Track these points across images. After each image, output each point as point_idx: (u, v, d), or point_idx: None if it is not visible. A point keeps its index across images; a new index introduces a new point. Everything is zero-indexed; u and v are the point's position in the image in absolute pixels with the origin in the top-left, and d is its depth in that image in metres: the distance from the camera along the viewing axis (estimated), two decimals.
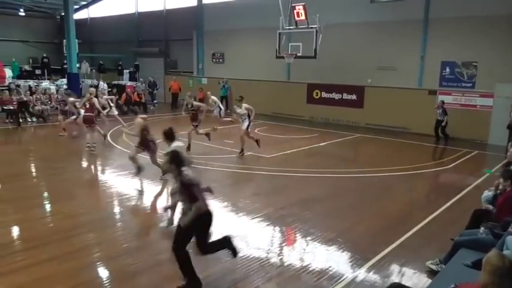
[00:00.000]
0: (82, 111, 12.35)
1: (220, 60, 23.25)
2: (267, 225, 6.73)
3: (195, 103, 12.14)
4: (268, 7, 18.40)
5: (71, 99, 13.27)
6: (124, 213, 7.29)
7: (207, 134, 11.98)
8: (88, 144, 11.50)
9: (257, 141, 11.72)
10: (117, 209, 7.52)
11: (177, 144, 7.06)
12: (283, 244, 6.24)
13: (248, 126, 11.47)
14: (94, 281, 4.95)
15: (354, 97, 17.97)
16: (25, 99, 16.33)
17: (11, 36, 29.86)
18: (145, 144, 8.67)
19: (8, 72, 22.10)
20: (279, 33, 16.17)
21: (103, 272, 5.19)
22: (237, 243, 4.98)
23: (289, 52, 16.15)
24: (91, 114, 11.71)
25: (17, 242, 6.09)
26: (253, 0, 20.39)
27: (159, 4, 25.89)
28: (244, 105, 11.35)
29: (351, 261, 5.52)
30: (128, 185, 8.69)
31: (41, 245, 5.70)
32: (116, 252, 5.59)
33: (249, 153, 11.51)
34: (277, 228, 6.69)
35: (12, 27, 30.14)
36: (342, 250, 5.85)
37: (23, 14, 30.07)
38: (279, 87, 19.95)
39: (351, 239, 6.19)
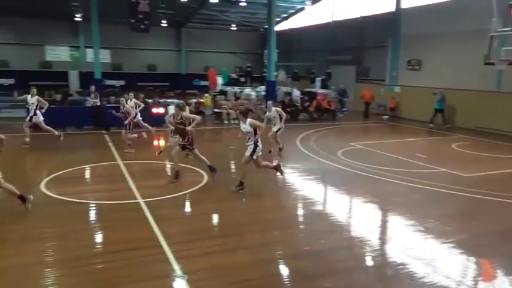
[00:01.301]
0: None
1: (417, 67, 21.83)
2: (459, 253, 5.96)
3: (186, 115, 9.10)
4: (474, 8, 16.40)
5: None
6: (308, 217, 7.57)
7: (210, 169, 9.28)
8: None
9: (280, 148, 11.68)
10: (301, 211, 7.86)
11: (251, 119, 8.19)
12: (479, 279, 5.43)
13: (279, 129, 11.56)
14: (276, 276, 5.27)
15: None
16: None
17: (223, 48, 35.06)
18: None
19: (220, 80, 25.60)
20: (491, 36, 14.18)
21: (284, 270, 5.50)
22: (422, 267, 4.56)
23: (502, 58, 14.00)
24: None
25: (216, 228, 7.00)
26: (457, 2, 18.48)
27: (355, 12, 25.97)
28: (275, 108, 11.68)
29: None
30: (313, 190, 9.00)
31: (235, 234, 6.42)
32: (296, 253, 5.85)
33: (441, 169, 10.48)
34: (472, 259, 5.86)
35: (224, 40, 35.24)
36: None
37: (234, 28, 34.61)
38: (485, 98, 17.49)
39: None
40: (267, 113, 11.40)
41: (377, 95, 22.04)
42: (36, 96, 12.55)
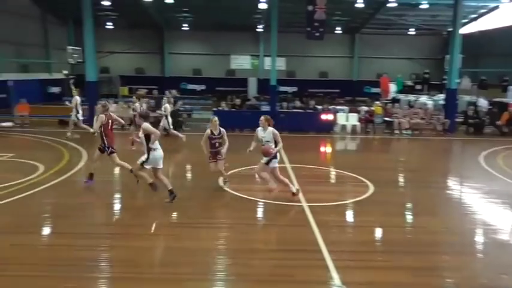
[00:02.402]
0: None
1: None
2: None
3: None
4: None
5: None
6: (487, 245, 6.59)
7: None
8: None
9: (294, 194, 8.19)
10: (479, 238, 6.89)
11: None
12: None
13: (269, 161, 7.97)
14: None
15: None
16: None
17: (398, 54, 33.39)
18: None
19: (392, 87, 24.44)
20: None
21: None
22: None
23: None
24: None
25: (378, 243, 6.69)
26: None
27: None
28: (272, 129, 7.99)
29: None
30: (498, 216, 7.78)
31: (398, 252, 6.02)
32: (470, 285, 5.15)
33: None
34: None
35: (400, 46, 33.51)
36: None
37: (412, 33, 32.56)
38: None
39: None
40: (259, 132, 8.09)
41: None
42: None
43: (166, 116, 14.37)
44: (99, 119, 8.62)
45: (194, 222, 6.98)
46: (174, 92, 18.30)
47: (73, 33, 30.26)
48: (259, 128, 8.02)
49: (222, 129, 8.86)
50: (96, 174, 8.89)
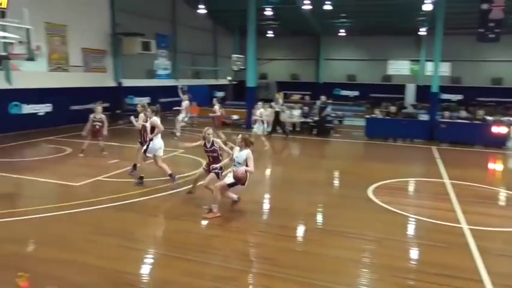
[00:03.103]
0: None
1: None
2: None
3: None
4: None
5: None
6: None
7: None
8: None
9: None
10: None
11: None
12: None
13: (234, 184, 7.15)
14: None
15: None
16: None
17: None
18: None
19: None
20: None
21: None
22: None
23: None
24: None
25: None
26: None
27: None
28: (247, 151, 7.12)
29: None
30: None
31: None
32: None
33: None
34: None
35: None
36: None
37: None
38: None
39: None
40: (234, 151, 7.39)
41: None
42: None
43: (262, 121, 14.73)
44: (140, 117, 9.82)
45: (339, 231, 6.86)
46: (323, 98, 18.35)
47: (238, 43, 33.07)
48: (236, 147, 7.34)
49: (216, 142, 7.87)
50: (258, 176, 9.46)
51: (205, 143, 7.77)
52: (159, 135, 8.85)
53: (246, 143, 7.14)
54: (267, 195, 9.26)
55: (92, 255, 5.74)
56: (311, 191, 9.33)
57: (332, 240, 6.51)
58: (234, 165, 7.15)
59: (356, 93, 33.88)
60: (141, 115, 9.94)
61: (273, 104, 17.06)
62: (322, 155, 14.71)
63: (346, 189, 9.68)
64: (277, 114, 16.81)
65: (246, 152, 7.07)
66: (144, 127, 9.55)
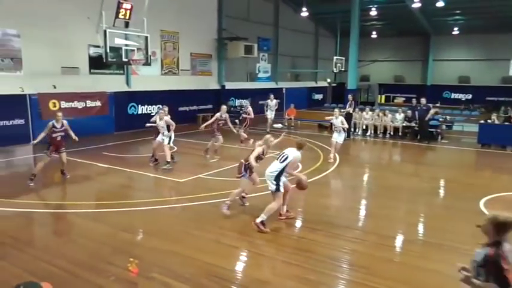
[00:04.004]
0: None
1: None
2: None
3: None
4: None
5: None
6: None
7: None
8: None
9: None
10: None
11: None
12: None
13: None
14: None
15: None
16: None
17: None
18: None
19: None
20: None
21: None
22: None
23: None
24: None
25: None
26: None
27: None
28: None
29: None
30: None
31: None
32: None
33: None
34: None
35: None
36: None
37: None
38: None
39: None
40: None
41: None
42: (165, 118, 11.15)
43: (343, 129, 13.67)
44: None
45: (442, 244, 6.32)
46: (423, 100, 16.66)
47: (339, 44, 32.56)
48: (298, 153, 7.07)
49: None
50: (341, 179, 9.23)
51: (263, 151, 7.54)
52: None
53: (299, 147, 7.16)
54: (363, 202, 8.93)
55: (191, 248, 6.10)
56: (412, 200, 8.78)
57: (434, 253, 6.02)
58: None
59: (469, 96, 31.07)
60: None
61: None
62: (425, 162, 13.72)
63: (453, 200, 8.89)
64: (349, 116, 16.06)
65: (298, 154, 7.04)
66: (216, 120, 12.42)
